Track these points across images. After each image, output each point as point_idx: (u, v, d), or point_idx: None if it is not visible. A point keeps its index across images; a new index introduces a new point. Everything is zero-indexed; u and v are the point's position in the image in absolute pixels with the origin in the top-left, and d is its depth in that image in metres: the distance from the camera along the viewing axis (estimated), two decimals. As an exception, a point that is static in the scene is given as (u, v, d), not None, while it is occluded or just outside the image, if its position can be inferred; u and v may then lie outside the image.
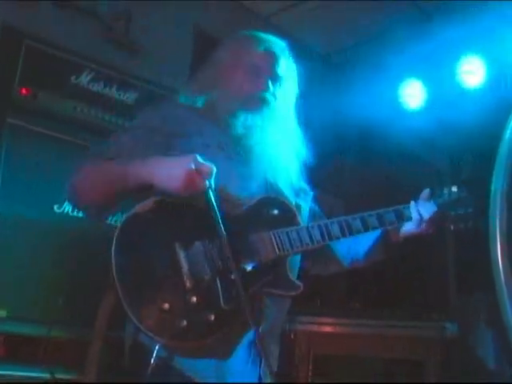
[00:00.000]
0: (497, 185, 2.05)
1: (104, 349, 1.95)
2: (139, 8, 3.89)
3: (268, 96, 2.07)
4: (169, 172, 1.78)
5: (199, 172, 1.77)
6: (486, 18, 3.72)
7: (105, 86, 3.44)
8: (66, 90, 3.29)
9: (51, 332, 2.78)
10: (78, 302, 2.94)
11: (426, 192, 2.08)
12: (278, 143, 2.09)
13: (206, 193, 1.78)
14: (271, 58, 2.10)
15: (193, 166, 1.76)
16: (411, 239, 2.12)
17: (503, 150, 2.08)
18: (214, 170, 1.79)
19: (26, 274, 2.99)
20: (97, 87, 3.42)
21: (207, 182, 1.78)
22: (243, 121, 2.02)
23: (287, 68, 2.14)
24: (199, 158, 1.79)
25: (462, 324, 3.99)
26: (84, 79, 3.38)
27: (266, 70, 2.08)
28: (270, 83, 2.07)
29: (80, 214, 3.24)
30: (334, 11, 4.37)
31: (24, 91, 3.16)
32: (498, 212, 2.02)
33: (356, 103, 4.24)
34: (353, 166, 5.19)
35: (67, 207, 3.21)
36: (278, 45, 2.15)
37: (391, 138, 4.39)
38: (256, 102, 2.05)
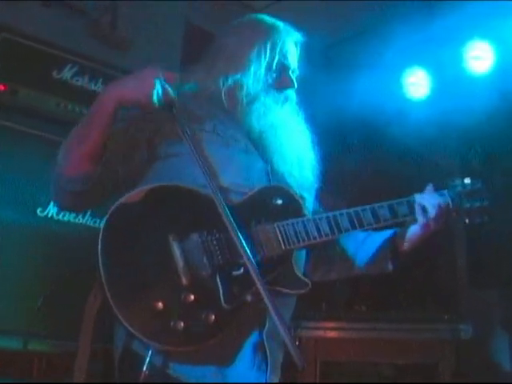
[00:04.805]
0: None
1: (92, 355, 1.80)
2: (126, 2, 3.77)
3: (291, 94, 2.01)
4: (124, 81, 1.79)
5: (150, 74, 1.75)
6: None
7: (90, 81, 3.30)
8: (47, 86, 3.17)
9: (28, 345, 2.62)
10: (60, 309, 2.82)
11: (430, 187, 1.94)
12: (290, 132, 1.99)
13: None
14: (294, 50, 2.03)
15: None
16: (420, 246, 1.97)
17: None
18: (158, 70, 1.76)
19: (7, 280, 2.87)
20: (81, 82, 3.29)
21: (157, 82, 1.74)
22: (260, 108, 1.93)
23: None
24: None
25: (476, 325, 3.85)
26: (67, 73, 3.26)
27: (291, 65, 2.01)
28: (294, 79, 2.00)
29: (65, 218, 3.14)
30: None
31: (2, 87, 3.04)
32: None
33: (358, 96, 4.10)
34: (355, 165, 5.03)
35: (51, 210, 3.10)
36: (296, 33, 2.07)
37: (396, 133, 4.26)
38: (278, 97, 1.97)
